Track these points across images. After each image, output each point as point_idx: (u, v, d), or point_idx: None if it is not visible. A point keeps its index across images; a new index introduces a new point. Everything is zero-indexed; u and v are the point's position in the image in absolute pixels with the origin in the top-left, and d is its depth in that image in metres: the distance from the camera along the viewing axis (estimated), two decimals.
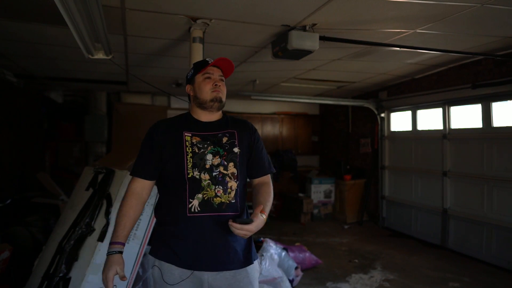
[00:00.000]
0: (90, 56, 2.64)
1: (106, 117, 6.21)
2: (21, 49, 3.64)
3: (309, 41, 2.82)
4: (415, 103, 5.12)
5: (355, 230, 5.70)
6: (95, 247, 2.42)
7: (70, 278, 2.34)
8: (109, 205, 2.55)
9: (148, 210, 2.78)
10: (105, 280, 1.34)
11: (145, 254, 3.12)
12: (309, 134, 7.66)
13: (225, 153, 1.51)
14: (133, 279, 2.67)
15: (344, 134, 7.05)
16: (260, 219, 1.39)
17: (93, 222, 2.49)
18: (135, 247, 2.65)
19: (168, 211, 1.48)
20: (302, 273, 3.63)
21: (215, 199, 1.43)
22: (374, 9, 2.55)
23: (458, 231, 4.50)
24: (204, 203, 1.42)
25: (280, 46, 2.95)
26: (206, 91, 1.53)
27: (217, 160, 1.48)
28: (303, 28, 2.83)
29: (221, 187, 1.45)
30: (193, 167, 1.45)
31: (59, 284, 2.31)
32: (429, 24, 2.86)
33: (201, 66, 1.58)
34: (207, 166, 1.46)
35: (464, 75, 4.36)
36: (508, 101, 3.93)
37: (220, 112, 1.62)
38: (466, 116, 4.49)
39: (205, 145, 1.50)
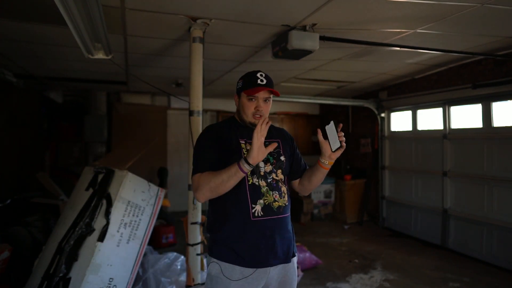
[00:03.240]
0: (90, 56, 2.63)
1: (106, 117, 6.21)
2: (21, 49, 3.63)
3: (309, 41, 2.82)
4: (415, 103, 5.12)
5: (355, 230, 5.70)
6: (95, 247, 2.42)
7: (70, 278, 2.34)
8: (109, 205, 2.55)
9: (149, 210, 2.78)
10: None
11: (145, 254, 3.12)
12: (309, 134, 7.66)
13: (274, 161, 1.64)
14: (133, 279, 2.66)
15: (344, 134, 7.03)
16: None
17: (93, 222, 2.49)
18: (135, 247, 2.65)
19: (228, 217, 1.54)
20: (302, 273, 3.63)
21: (274, 203, 1.57)
22: (374, 9, 2.55)
23: (458, 231, 4.50)
24: (265, 208, 1.55)
25: (280, 46, 2.94)
26: (248, 114, 1.61)
27: (268, 168, 1.61)
28: (303, 28, 2.83)
29: (277, 192, 1.59)
30: (252, 174, 1.55)
31: (59, 284, 2.31)
32: (429, 24, 2.86)
33: (249, 85, 1.58)
34: (262, 173, 1.58)
35: (464, 75, 4.36)
36: (509, 101, 3.93)
37: None
38: (466, 116, 4.49)
39: None
